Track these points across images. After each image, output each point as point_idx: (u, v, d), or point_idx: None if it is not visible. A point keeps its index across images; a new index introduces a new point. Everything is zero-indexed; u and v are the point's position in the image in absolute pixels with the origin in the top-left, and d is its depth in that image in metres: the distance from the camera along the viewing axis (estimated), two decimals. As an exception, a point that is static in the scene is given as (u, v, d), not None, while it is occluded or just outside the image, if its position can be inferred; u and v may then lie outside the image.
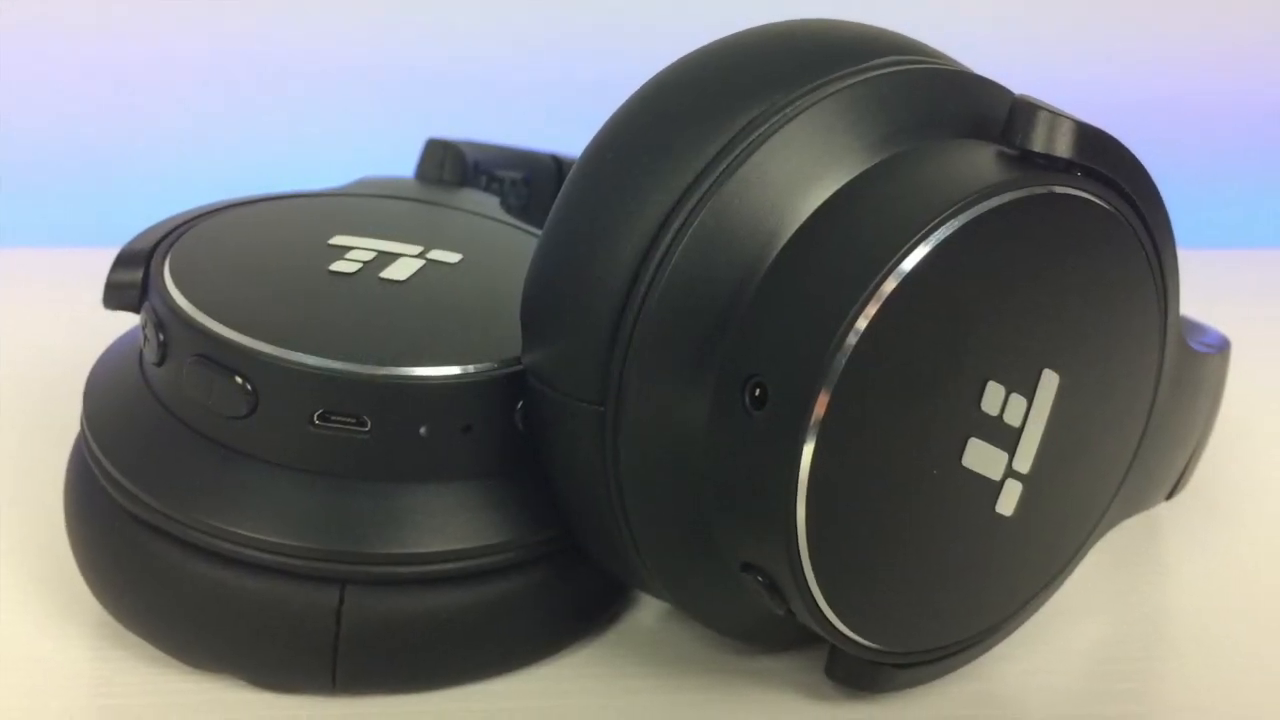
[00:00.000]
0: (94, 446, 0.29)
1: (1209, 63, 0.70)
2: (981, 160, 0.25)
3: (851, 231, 0.24)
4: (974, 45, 0.35)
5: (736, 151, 0.25)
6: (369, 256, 0.32)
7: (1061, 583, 0.31)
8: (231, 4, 0.61)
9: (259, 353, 0.27)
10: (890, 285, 0.23)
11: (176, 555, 0.27)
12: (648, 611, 0.32)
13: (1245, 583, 0.35)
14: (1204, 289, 0.40)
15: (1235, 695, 0.30)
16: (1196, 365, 0.33)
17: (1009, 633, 0.30)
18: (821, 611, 0.25)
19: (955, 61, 0.29)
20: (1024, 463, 0.27)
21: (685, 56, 0.28)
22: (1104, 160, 0.26)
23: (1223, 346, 0.36)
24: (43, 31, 0.60)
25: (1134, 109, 0.59)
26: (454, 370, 0.28)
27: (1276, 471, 0.42)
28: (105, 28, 0.61)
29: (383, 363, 0.27)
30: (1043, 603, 0.31)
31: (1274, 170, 0.72)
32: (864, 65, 0.27)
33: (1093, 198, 0.26)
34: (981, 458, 0.26)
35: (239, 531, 0.27)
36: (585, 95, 0.44)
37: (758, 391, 0.24)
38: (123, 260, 0.31)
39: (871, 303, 0.23)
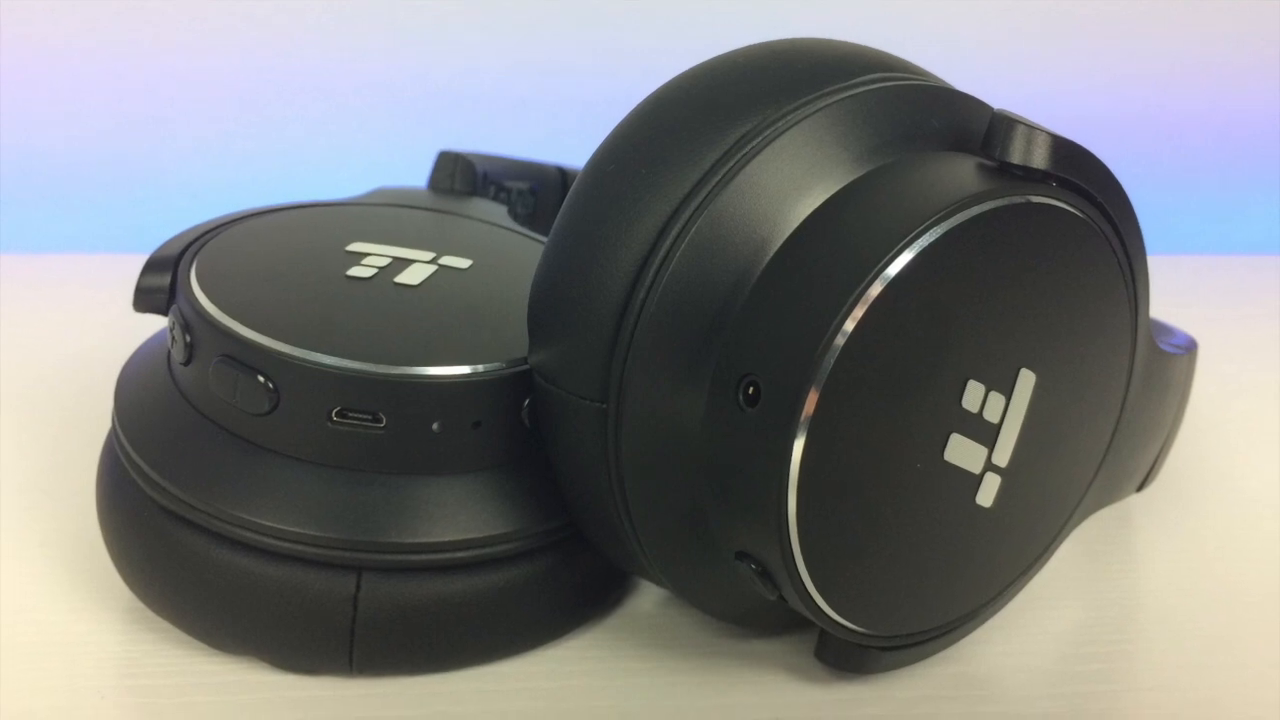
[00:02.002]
0: (124, 442, 0.29)
1: (1178, 79, 0.70)
2: (962, 171, 0.25)
3: (839, 238, 0.24)
4: (955, 63, 0.35)
5: (731, 163, 0.25)
6: (384, 262, 0.32)
7: (1038, 570, 0.31)
8: (256, 26, 0.61)
9: (280, 353, 0.27)
10: (876, 289, 0.23)
11: (202, 544, 0.27)
12: (647, 598, 0.32)
13: (1210, 570, 0.35)
14: (1173, 293, 0.40)
15: (1200, 676, 0.30)
16: (1166, 365, 0.33)
17: (988, 618, 0.30)
18: (811, 597, 0.26)
19: (937, 78, 0.29)
20: (1002, 457, 0.27)
21: (682, 74, 0.28)
22: (1078, 171, 0.26)
23: (1190, 347, 0.36)
24: (75, 49, 0.60)
25: (1107, 123, 0.59)
26: (464, 370, 0.28)
27: (1240, 465, 0.42)
28: (136, 47, 0.61)
29: (397, 363, 0.27)
30: (1020, 589, 0.31)
31: (1240, 179, 0.72)
32: (851, 82, 0.27)
33: (1068, 207, 0.26)
34: (962, 452, 0.26)
35: (261, 522, 0.27)
36: (588, 110, 0.44)
37: (751, 390, 0.24)
38: (151, 266, 0.31)
39: (858, 306, 0.23)
